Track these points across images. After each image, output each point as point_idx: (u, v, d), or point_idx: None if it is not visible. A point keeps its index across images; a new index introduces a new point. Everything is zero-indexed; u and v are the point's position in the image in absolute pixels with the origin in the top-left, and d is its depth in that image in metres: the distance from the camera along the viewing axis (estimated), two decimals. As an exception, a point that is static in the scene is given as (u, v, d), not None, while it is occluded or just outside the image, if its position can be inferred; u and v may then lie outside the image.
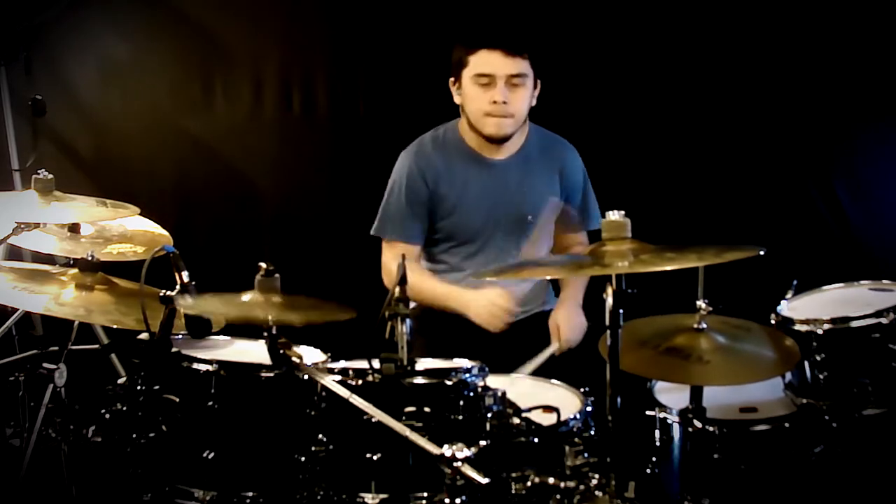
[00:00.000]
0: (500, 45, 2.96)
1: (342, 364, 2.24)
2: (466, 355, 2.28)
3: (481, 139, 3.08)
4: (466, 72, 3.02)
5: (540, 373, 2.63)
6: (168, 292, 2.29)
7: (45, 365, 2.76)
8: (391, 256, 3.11)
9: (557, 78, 3.18)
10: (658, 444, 2.46)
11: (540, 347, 2.95)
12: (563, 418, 2.23)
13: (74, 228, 2.83)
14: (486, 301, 2.91)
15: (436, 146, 3.13)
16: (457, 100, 3.10)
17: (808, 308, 2.60)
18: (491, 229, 3.12)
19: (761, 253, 2.10)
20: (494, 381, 2.23)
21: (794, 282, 2.62)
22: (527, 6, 3.81)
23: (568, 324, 3.04)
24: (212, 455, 2.23)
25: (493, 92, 2.97)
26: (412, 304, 2.16)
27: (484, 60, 2.98)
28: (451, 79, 3.09)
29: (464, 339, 3.05)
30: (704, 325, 2.31)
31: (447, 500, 1.95)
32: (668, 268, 2.03)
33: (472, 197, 3.10)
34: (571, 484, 2.05)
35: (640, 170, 3.84)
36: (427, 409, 2.10)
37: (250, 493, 2.23)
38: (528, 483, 2.08)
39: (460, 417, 2.13)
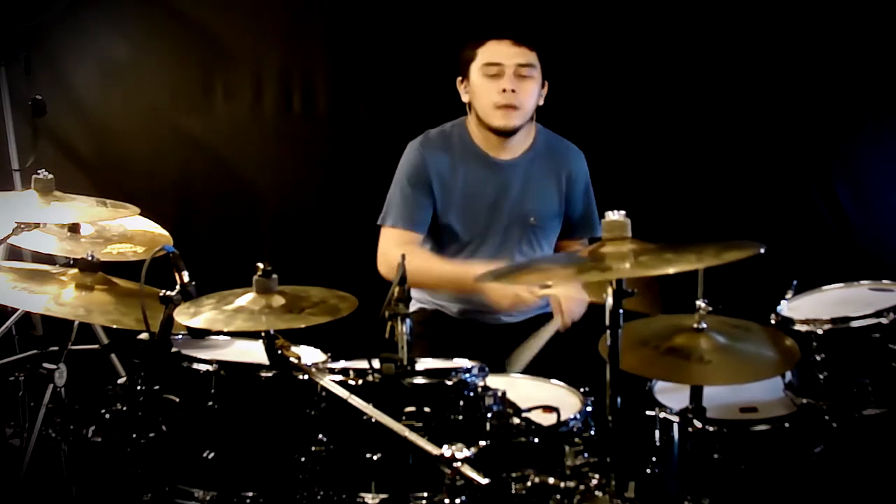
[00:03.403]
0: (508, 35, 3.00)
1: (342, 364, 2.24)
2: (466, 355, 2.28)
3: (488, 137, 3.08)
4: (475, 65, 3.03)
5: (540, 373, 2.62)
6: (168, 292, 2.29)
7: (45, 365, 2.76)
8: (391, 243, 3.07)
9: (558, 77, 3.18)
10: (658, 444, 2.46)
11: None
12: (563, 418, 2.23)
13: (74, 228, 2.83)
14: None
15: (442, 141, 3.13)
16: (464, 98, 3.11)
17: (808, 308, 2.60)
18: (492, 229, 3.11)
19: (761, 251, 2.09)
20: (494, 381, 2.23)
21: (794, 282, 2.61)
22: (535, 2, 3.82)
23: (569, 298, 2.97)
24: (212, 455, 2.23)
25: (502, 81, 2.98)
26: (413, 307, 2.16)
27: (492, 50, 3.01)
28: (459, 77, 3.11)
29: (464, 339, 3.07)
30: (704, 325, 2.31)
31: (447, 501, 1.95)
32: (669, 271, 2.01)
33: (475, 195, 3.10)
34: (571, 484, 2.05)
35: (640, 170, 3.84)
36: (427, 409, 2.10)
37: (250, 493, 2.23)
38: (528, 483, 2.08)
39: (460, 417, 2.13)
